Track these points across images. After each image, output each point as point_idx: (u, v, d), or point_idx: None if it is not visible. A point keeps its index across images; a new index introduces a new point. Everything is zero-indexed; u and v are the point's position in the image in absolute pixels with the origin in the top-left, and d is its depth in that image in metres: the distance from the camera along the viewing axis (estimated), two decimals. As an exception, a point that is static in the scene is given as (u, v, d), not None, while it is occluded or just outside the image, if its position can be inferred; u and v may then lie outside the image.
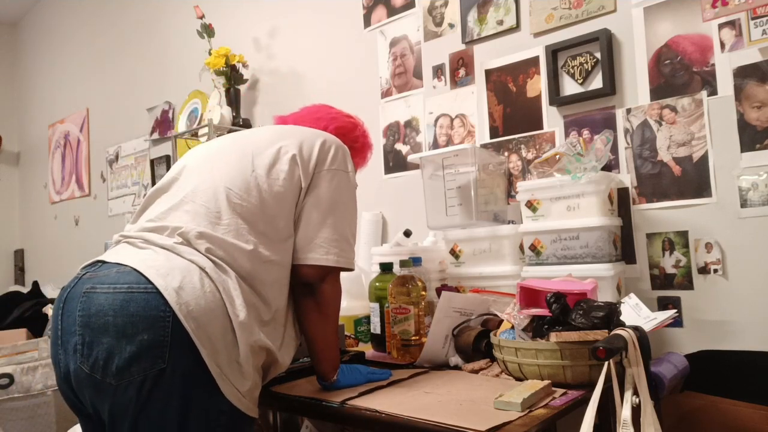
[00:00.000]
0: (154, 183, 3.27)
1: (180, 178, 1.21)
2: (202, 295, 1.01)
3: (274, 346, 1.12)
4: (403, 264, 1.53)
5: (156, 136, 3.39)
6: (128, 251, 1.09)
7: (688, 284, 1.57)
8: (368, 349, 1.66)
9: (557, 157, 1.62)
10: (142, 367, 0.96)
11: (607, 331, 1.14)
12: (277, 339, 1.14)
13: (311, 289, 1.19)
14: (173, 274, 1.01)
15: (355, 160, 1.41)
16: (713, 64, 1.54)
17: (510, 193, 1.90)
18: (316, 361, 1.25)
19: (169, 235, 1.09)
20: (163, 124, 3.34)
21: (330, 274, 1.20)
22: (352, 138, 1.42)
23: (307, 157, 1.20)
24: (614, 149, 1.69)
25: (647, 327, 1.25)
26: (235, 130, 2.71)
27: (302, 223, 1.18)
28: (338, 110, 1.46)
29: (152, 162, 3.39)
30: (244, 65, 2.76)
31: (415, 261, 1.57)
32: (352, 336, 1.77)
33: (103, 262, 1.09)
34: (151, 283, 0.99)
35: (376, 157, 2.29)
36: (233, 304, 1.04)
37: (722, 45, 1.53)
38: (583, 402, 1.06)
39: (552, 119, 1.83)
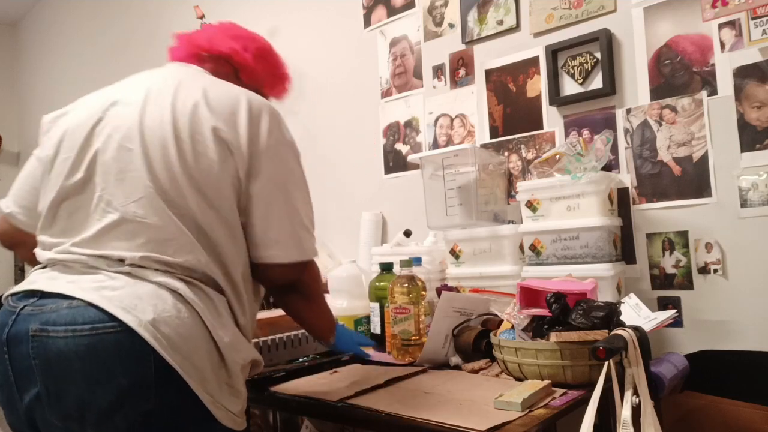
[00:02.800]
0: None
1: (95, 179, 0.98)
2: (180, 323, 0.89)
3: (256, 349, 1.07)
4: (403, 264, 1.53)
5: (156, 136, 3.38)
6: (72, 278, 0.93)
7: (688, 284, 1.57)
8: (368, 350, 1.66)
9: (557, 157, 1.62)
10: (125, 413, 0.86)
11: (607, 331, 1.14)
12: (251, 339, 1.07)
13: (291, 286, 1.10)
14: (142, 304, 0.88)
15: (279, 87, 1.27)
16: (713, 64, 1.54)
17: (510, 193, 1.90)
18: (314, 333, 1.24)
19: (118, 258, 0.93)
20: (163, 124, 3.33)
21: (307, 266, 1.09)
22: (274, 62, 1.25)
23: (234, 129, 0.99)
24: (614, 149, 1.69)
25: (647, 327, 1.25)
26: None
27: (255, 216, 1.00)
28: (249, 30, 1.27)
29: (152, 162, 3.38)
30: (244, 65, 2.76)
31: (415, 261, 1.57)
32: (352, 336, 1.77)
33: (42, 291, 0.93)
34: (117, 320, 0.86)
35: (377, 157, 2.29)
36: (215, 325, 0.93)
37: (722, 45, 1.53)
38: (583, 402, 1.06)
39: (552, 119, 1.83)
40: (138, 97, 1.03)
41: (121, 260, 0.93)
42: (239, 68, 1.20)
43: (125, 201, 0.95)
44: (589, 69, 1.73)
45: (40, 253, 1.02)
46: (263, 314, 1.48)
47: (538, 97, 1.86)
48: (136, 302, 0.89)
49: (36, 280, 0.98)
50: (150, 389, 0.87)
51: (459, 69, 2.06)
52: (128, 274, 0.93)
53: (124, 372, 0.86)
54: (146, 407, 0.87)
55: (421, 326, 1.48)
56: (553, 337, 1.18)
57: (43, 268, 1.01)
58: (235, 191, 0.99)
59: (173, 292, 0.92)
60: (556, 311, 1.21)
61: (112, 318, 0.87)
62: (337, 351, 1.26)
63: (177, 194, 0.96)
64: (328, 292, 1.98)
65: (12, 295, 0.98)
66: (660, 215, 1.62)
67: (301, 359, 1.46)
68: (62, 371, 0.87)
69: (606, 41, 1.69)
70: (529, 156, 1.86)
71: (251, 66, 1.20)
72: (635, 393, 1.03)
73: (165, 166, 0.96)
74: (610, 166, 1.69)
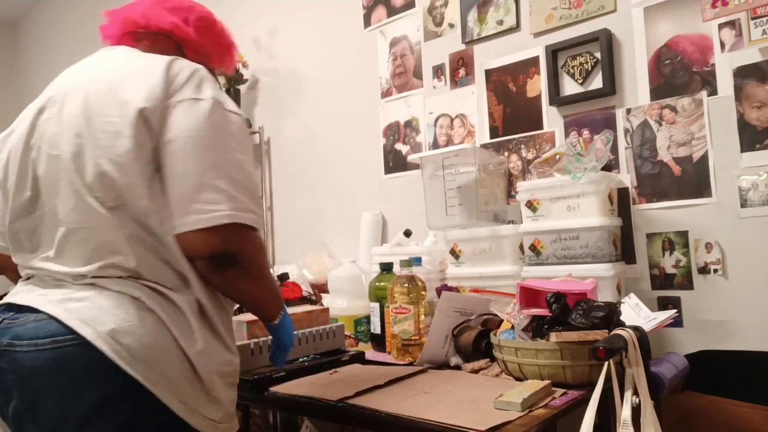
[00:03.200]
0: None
1: (41, 195, 0.96)
2: (145, 332, 0.86)
3: (234, 349, 1.00)
4: (403, 264, 1.53)
5: (156, 136, 3.38)
6: (44, 291, 0.93)
7: (688, 284, 1.57)
8: (368, 349, 1.66)
9: (557, 157, 1.62)
10: (97, 427, 0.84)
11: (607, 331, 1.14)
12: (229, 338, 0.99)
13: (222, 257, 0.91)
14: (102, 315, 0.86)
15: (227, 58, 1.18)
16: (713, 64, 1.54)
17: (510, 193, 1.90)
18: (260, 315, 1.10)
19: (75, 275, 0.91)
20: (163, 124, 3.33)
21: (239, 232, 0.91)
22: (218, 31, 1.15)
23: (149, 99, 0.91)
24: (614, 149, 1.69)
25: (647, 327, 1.25)
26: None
27: (166, 180, 0.90)
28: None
29: (152, 162, 3.38)
30: (244, 65, 2.76)
31: (415, 261, 1.57)
32: (352, 336, 1.77)
33: (18, 305, 0.93)
34: (75, 332, 0.84)
35: (377, 157, 2.29)
36: (182, 334, 0.89)
37: (722, 45, 1.53)
38: (583, 402, 1.06)
39: (552, 119, 1.83)
40: (59, 97, 0.98)
41: (82, 274, 0.91)
42: (182, 43, 1.10)
43: (66, 210, 0.93)
44: (589, 69, 1.73)
45: (20, 270, 1.02)
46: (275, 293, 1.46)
47: (538, 97, 1.86)
48: (96, 313, 0.87)
49: (17, 292, 0.97)
50: (119, 401, 0.85)
51: (459, 69, 2.06)
52: (92, 285, 0.90)
53: (90, 385, 0.85)
54: (118, 420, 0.85)
55: (421, 326, 1.48)
56: (553, 337, 1.18)
57: (26, 280, 1.00)
58: (154, 166, 0.91)
59: (135, 300, 0.89)
60: (556, 311, 1.21)
61: (71, 331, 0.85)
62: (274, 336, 1.14)
63: (104, 191, 0.90)
64: (327, 291, 1.98)
65: None
66: (660, 215, 1.62)
67: (301, 359, 1.46)
68: (33, 386, 0.86)
69: (606, 41, 1.69)
70: (529, 156, 1.86)
71: (195, 39, 1.10)
72: (635, 393, 1.03)
73: (89, 164, 0.91)
74: (610, 166, 1.69)
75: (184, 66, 0.96)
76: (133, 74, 0.95)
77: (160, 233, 0.90)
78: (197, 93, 0.93)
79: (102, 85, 0.95)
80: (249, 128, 0.99)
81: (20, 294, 0.96)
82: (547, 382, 1.16)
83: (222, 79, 2.73)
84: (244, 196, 0.91)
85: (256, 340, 1.36)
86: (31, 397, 0.87)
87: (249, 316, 1.42)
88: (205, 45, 1.12)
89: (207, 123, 0.91)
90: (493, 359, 1.36)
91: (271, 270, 1.13)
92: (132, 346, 0.85)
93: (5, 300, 0.97)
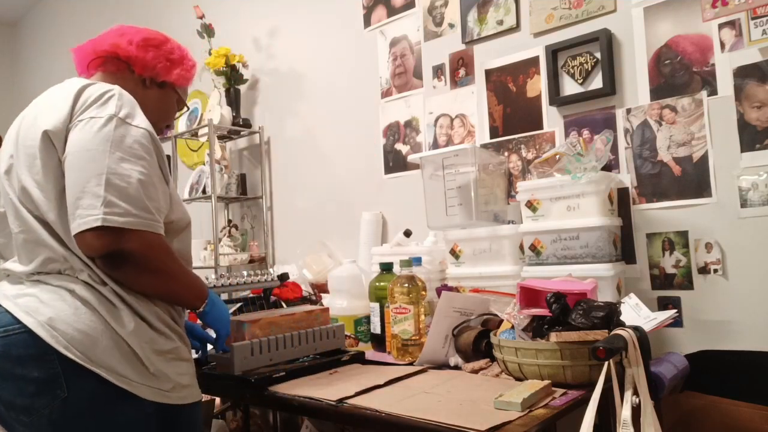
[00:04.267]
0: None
1: (3, 217, 1.14)
2: (77, 320, 1.00)
3: (165, 330, 1.08)
4: (403, 264, 1.53)
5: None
6: (6, 288, 1.09)
7: (688, 284, 1.57)
8: (368, 349, 1.66)
9: (557, 157, 1.62)
10: (44, 402, 0.98)
11: (607, 331, 1.14)
12: (157, 321, 1.07)
13: (115, 256, 1.00)
14: (43, 307, 1.01)
15: (176, 71, 1.27)
16: (713, 64, 1.54)
17: (510, 193, 1.90)
18: (181, 305, 1.16)
19: (29, 272, 1.07)
20: (163, 124, 3.33)
21: (120, 234, 0.98)
22: (167, 50, 1.27)
23: (57, 121, 1.04)
24: (614, 149, 1.69)
25: (647, 327, 1.25)
26: (235, 131, 2.72)
27: (66, 190, 1.02)
28: (144, 28, 1.30)
29: (152, 162, 3.38)
30: (244, 65, 2.76)
31: (415, 261, 1.57)
32: (352, 336, 1.77)
33: None
34: (20, 322, 1.00)
35: (376, 157, 2.29)
36: (114, 316, 1.02)
37: (722, 45, 1.53)
38: (583, 402, 1.06)
39: (552, 119, 1.83)
40: (12, 125, 1.16)
41: (30, 272, 1.07)
42: (129, 62, 1.23)
43: (12, 219, 1.10)
44: (589, 69, 1.73)
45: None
46: (263, 314, 1.48)
47: (538, 97, 1.86)
48: (37, 305, 1.01)
49: None
50: (59, 380, 0.98)
51: (459, 69, 2.06)
52: (37, 281, 1.06)
53: (35, 367, 0.99)
54: (61, 395, 0.98)
55: (421, 326, 1.48)
56: (553, 337, 1.18)
57: (5, 278, 1.16)
58: (63, 183, 1.03)
59: (71, 292, 1.03)
60: (556, 311, 1.21)
61: (17, 321, 1.00)
62: (203, 322, 1.24)
63: (28, 202, 1.06)
64: (327, 291, 1.98)
65: None
66: (660, 215, 1.62)
67: (301, 359, 1.46)
68: None
69: (606, 41, 1.69)
70: (529, 156, 1.86)
71: (139, 56, 1.23)
72: (635, 393, 1.03)
73: (15, 180, 1.08)
74: (610, 166, 1.69)
75: (96, 89, 1.07)
76: (51, 101, 1.09)
77: (71, 240, 1.02)
78: (97, 112, 1.04)
79: (31, 112, 1.12)
80: (153, 140, 1.10)
81: None
82: (547, 382, 1.16)
83: (222, 79, 2.73)
84: (124, 201, 0.99)
85: (255, 340, 1.36)
86: None
87: (249, 316, 1.42)
88: (150, 60, 1.24)
89: (96, 137, 1.01)
90: (493, 359, 1.36)
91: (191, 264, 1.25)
92: (67, 332, 0.99)
93: None
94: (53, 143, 1.04)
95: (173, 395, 1.06)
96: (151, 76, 1.25)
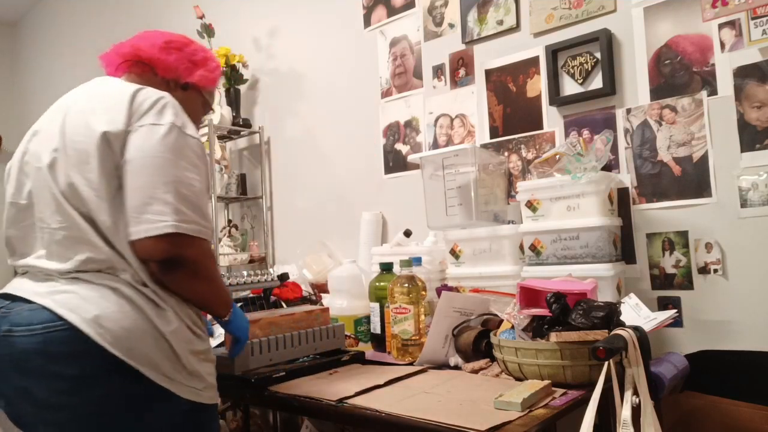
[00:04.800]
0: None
1: (29, 208, 1.10)
2: (123, 317, 1.00)
3: (200, 332, 1.10)
4: (403, 264, 1.53)
5: (156, 136, 3.38)
6: (34, 284, 1.06)
7: (688, 284, 1.57)
8: (368, 349, 1.67)
9: (557, 157, 1.62)
10: (81, 399, 0.97)
11: (607, 331, 1.14)
12: (192, 324, 1.09)
13: (172, 261, 1.03)
14: (86, 304, 0.99)
15: (198, 73, 1.28)
16: (713, 64, 1.54)
17: (510, 193, 1.90)
18: (209, 311, 1.19)
19: (59, 271, 1.04)
20: (163, 124, 3.33)
21: (183, 240, 1.02)
22: (190, 51, 1.28)
23: (113, 121, 1.05)
24: (614, 149, 1.69)
25: (647, 327, 1.26)
26: (235, 131, 2.72)
27: (127, 193, 1.03)
28: (168, 31, 1.32)
29: (152, 162, 3.38)
30: (244, 65, 2.76)
31: (415, 261, 1.57)
32: (352, 336, 1.77)
33: (12, 296, 1.06)
34: (63, 319, 0.98)
35: (376, 157, 2.29)
36: (159, 315, 1.03)
37: (722, 45, 1.53)
38: (583, 402, 1.06)
39: (552, 119, 1.83)
40: (47, 120, 1.15)
41: (67, 270, 1.04)
42: (152, 64, 1.24)
43: (49, 214, 1.07)
44: (589, 69, 1.73)
45: (17, 268, 1.15)
46: (263, 314, 1.48)
47: (538, 97, 1.86)
48: (80, 303, 1.00)
49: (10, 286, 1.11)
50: (100, 377, 0.98)
51: (459, 69, 2.06)
52: (75, 279, 1.03)
53: (74, 364, 0.97)
54: (99, 392, 0.98)
55: (421, 326, 1.48)
56: (553, 337, 1.18)
57: (22, 275, 1.13)
58: (119, 182, 1.04)
59: (115, 290, 1.02)
60: (556, 311, 1.21)
61: (60, 318, 0.98)
62: (226, 330, 1.27)
63: (75, 199, 1.04)
64: (327, 291, 1.98)
65: None
66: (660, 215, 1.62)
67: (301, 359, 1.46)
68: (26, 367, 0.99)
69: (606, 41, 1.69)
70: (529, 156, 1.86)
71: (161, 58, 1.24)
72: (635, 393, 1.03)
73: (61, 174, 1.06)
74: (610, 166, 1.69)
75: (149, 95, 1.09)
76: (102, 102, 1.10)
77: (119, 241, 1.03)
78: (157, 119, 1.06)
79: (77, 108, 1.11)
80: (204, 152, 1.14)
81: (14, 286, 1.09)
82: (547, 382, 1.16)
83: (222, 79, 2.73)
84: (189, 210, 1.03)
85: (256, 340, 1.36)
86: (24, 376, 0.99)
87: (249, 316, 1.42)
88: (173, 63, 1.25)
89: (161, 144, 1.04)
90: (493, 359, 1.36)
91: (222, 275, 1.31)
92: (113, 329, 0.98)
93: (3, 291, 1.10)
94: (111, 146, 1.04)
95: (204, 394, 1.07)
96: (174, 78, 1.25)
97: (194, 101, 1.29)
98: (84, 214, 1.04)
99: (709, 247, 1.54)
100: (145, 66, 1.24)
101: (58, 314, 0.98)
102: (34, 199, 1.09)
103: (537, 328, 1.24)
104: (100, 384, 0.98)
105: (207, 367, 1.09)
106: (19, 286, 1.08)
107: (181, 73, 1.26)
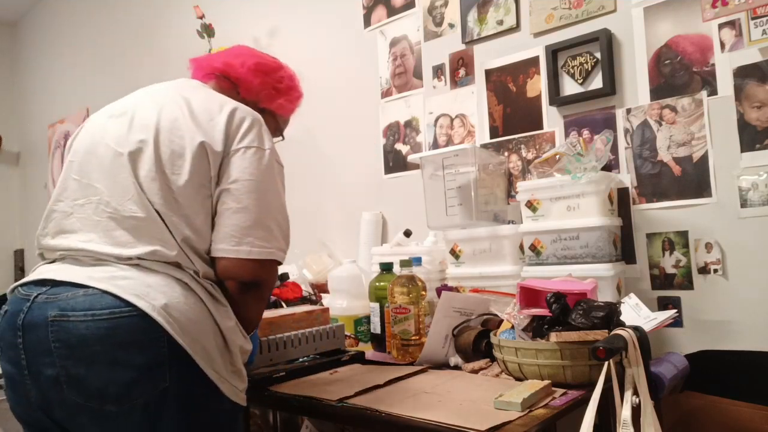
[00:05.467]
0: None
1: (90, 186, 1.08)
2: (188, 308, 0.99)
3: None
4: (403, 264, 1.53)
5: (156, 136, 3.38)
6: (84, 270, 1.02)
7: (688, 284, 1.57)
8: (368, 349, 1.66)
9: (557, 157, 1.62)
10: (142, 390, 0.94)
11: (607, 331, 1.14)
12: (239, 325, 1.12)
13: (252, 284, 1.09)
14: (153, 291, 0.97)
15: (280, 101, 1.32)
16: (713, 64, 1.54)
17: (510, 193, 1.90)
18: (248, 324, 1.17)
19: (118, 256, 1.01)
20: (163, 124, 3.33)
21: (271, 266, 1.09)
22: (276, 78, 1.31)
23: (210, 132, 1.07)
24: (614, 149, 1.69)
25: (647, 327, 1.25)
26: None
27: (219, 212, 1.06)
28: (263, 53, 1.35)
29: (152, 162, 3.38)
30: (244, 65, 2.76)
31: (415, 261, 1.57)
32: (352, 336, 1.77)
33: (53, 281, 1.01)
34: (132, 305, 0.95)
35: (376, 157, 2.29)
36: (218, 312, 1.03)
37: (722, 45, 1.53)
38: (583, 402, 1.06)
39: (552, 119, 1.83)
40: (131, 108, 1.14)
41: (128, 256, 1.01)
42: (238, 83, 1.26)
43: (120, 200, 1.04)
44: (589, 69, 1.73)
45: (46, 253, 1.11)
46: (263, 314, 1.48)
47: (538, 97, 1.86)
48: (147, 290, 0.97)
49: (45, 272, 1.05)
50: (164, 368, 0.95)
51: (459, 69, 2.06)
52: (136, 266, 1.01)
53: (141, 353, 0.94)
54: (162, 385, 0.95)
55: (421, 326, 1.48)
56: (553, 337, 1.18)
57: (51, 262, 1.09)
58: (208, 192, 1.07)
59: (179, 281, 1.01)
60: (556, 311, 1.21)
61: (128, 304, 0.95)
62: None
63: (154, 192, 1.04)
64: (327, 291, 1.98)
65: (21, 285, 1.05)
66: (660, 215, 1.62)
67: (301, 359, 1.46)
68: (84, 353, 0.94)
69: (606, 41, 1.69)
70: (529, 156, 1.86)
71: (247, 80, 1.26)
72: (635, 393, 1.03)
73: (145, 167, 1.05)
74: (610, 166, 1.69)
75: (247, 114, 1.12)
76: (200, 110, 1.10)
77: (191, 246, 1.04)
78: (260, 143, 1.09)
79: (174, 109, 1.10)
80: None
81: (52, 272, 1.03)
82: (547, 382, 1.16)
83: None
84: (282, 237, 1.10)
85: (256, 340, 1.36)
86: (79, 364, 0.94)
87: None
88: (257, 86, 1.27)
89: (267, 170, 1.08)
90: (493, 359, 1.36)
91: None
92: (180, 320, 0.97)
93: (30, 278, 1.05)
94: (209, 157, 1.06)
95: (241, 395, 1.06)
96: (254, 101, 1.27)
97: (268, 124, 1.26)
98: (159, 210, 1.03)
99: (709, 247, 1.54)
100: (231, 84, 1.26)
101: (126, 300, 0.95)
102: (104, 182, 1.07)
103: (537, 328, 1.24)
104: (163, 375, 0.95)
105: (245, 369, 1.10)
106: (62, 271, 1.02)
107: (261, 98, 1.28)
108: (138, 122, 1.10)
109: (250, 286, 1.08)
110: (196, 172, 1.05)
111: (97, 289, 0.97)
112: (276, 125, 1.35)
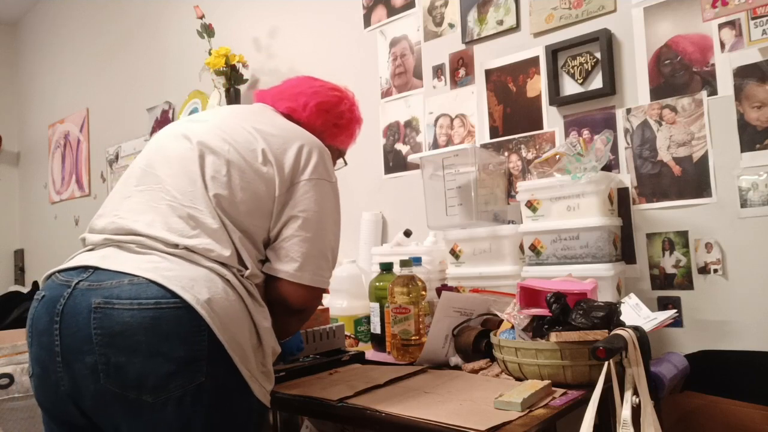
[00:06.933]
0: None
1: (153, 174, 1.12)
2: (229, 305, 0.99)
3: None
4: (403, 264, 1.53)
5: (156, 136, 3.38)
6: (128, 258, 1.01)
7: (688, 284, 1.57)
8: (368, 349, 1.66)
9: (557, 157, 1.62)
10: (180, 383, 0.94)
11: (607, 331, 1.14)
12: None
13: (297, 308, 1.15)
14: (198, 285, 0.98)
15: (341, 137, 1.36)
16: (713, 64, 1.54)
17: (510, 193, 1.90)
18: (281, 334, 1.21)
19: (167, 243, 1.02)
20: (163, 124, 3.33)
21: (317, 291, 1.15)
22: (337, 114, 1.33)
23: (283, 160, 1.13)
24: (614, 149, 1.69)
25: (647, 327, 1.25)
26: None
27: (284, 235, 1.11)
28: (323, 82, 1.36)
29: (152, 162, 3.38)
30: (244, 65, 2.76)
31: (415, 261, 1.57)
32: (352, 336, 1.77)
33: (96, 268, 1.00)
34: (178, 296, 0.95)
35: (377, 157, 2.29)
36: (256, 312, 1.04)
37: (722, 45, 1.53)
38: (583, 402, 1.06)
39: (552, 119, 1.83)
40: (210, 116, 1.22)
41: (176, 245, 1.02)
42: (300, 123, 1.28)
43: (184, 192, 1.07)
44: (589, 69, 1.73)
45: (90, 237, 1.10)
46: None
47: (538, 97, 1.86)
48: (192, 283, 0.97)
49: (86, 258, 1.04)
50: (202, 362, 0.95)
51: (459, 69, 2.06)
52: (181, 257, 1.01)
53: (183, 345, 0.94)
54: (199, 379, 0.95)
55: (421, 326, 1.48)
56: (553, 337, 1.18)
57: (90, 250, 1.08)
58: (270, 208, 1.11)
59: (221, 277, 1.01)
60: (556, 311, 1.21)
61: (174, 295, 0.95)
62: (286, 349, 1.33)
63: (221, 194, 1.07)
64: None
65: (59, 271, 1.05)
66: (660, 215, 1.62)
67: (301, 359, 1.46)
68: (127, 342, 0.93)
69: (606, 41, 1.69)
70: (529, 156, 1.86)
71: (310, 122, 1.29)
72: (635, 393, 1.03)
73: (215, 169, 1.09)
74: (610, 166, 1.69)
75: (316, 145, 1.18)
76: (275, 134, 1.16)
77: (251, 252, 1.09)
78: (326, 174, 1.17)
79: (252, 126, 1.16)
80: None
81: (94, 259, 1.03)
82: (547, 382, 1.16)
83: (222, 79, 2.73)
84: (334, 264, 1.18)
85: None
86: (120, 352, 0.93)
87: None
88: (318, 126, 1.30)
89: (331, 204, 1.17)
90: (493, 359, 1.36)
91: None
92: (221, 315, 0.97)
93: (71, 264, 1.05)
94: (276, 178, 1.11)
95: (267, 396, 1.06)
96: (317, 137, 1.28)
97: (332, 154, 1.31)
98: (220, 208, 1.07)
99: (709, 247, 1.54)
100: (294, 120, 1.29)
101: (172, 291, 0.95)
102: (170, 173, 1.10)
103: (537, 328, 1.24)
104: (200, 370, 0.95)
105: (273, 370, 1.10)
106: (106, 259, 1.02)
107: (324, 137, 1.29)
108: (216, 126, 1.15)
109: (298, 310, 1.15)
110: (258, 189, 1.09)
111: (143, 278, 0.97)
112: (339, 155, 1.41)
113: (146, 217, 1.06)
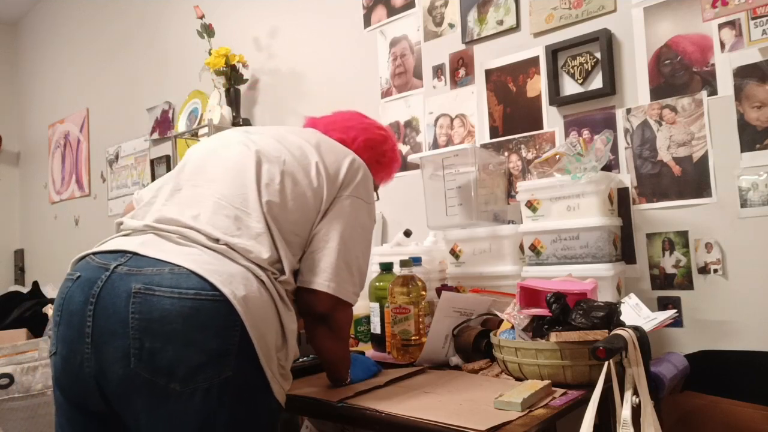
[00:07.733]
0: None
1: (207, 172, 1.16)
2: (262, 304, 1.02)
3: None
4: (403, 264, 1.53)
5: (156, 136, 3.39)
6: (169, 247, 1.03)
7: (688, 284, 1.57)
8: (368, 349, 1.66)
9: (557, 157, 1.62)
10: (209, 375, 0.95)
11: (607, 331, 1.14)
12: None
13: (323, 317, 1.17)
14: (235, 281, 1.00)
15: (380, 174, 1.42)
16: (713, 64, 1.54)
17: (510, 193, 1.90)
18: (330, 372, 1.28)
19: (209, 237, 1.05)
20: (163, 124, 3.34)
21: (341, 303, 1.17)
22: (380, 152, 1.39)
23: (334, 174, 1.19)
24: (614, 149, 1.69)
25: (647, 327, 1.25)
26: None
27: (316, 245, 1.16)
28: (371, 120, 1.44)
29: (152, 162, 3.39)
30: (244, 65, 2.76)
31: (415, 261, 1.57)
32: (353, 336, 1.77)
33: (135, 254, 1.01)
34: (218, 290, 0.97)
35: (376, 157, 2.29)
36: (285, 314, 1.07)
37: (722, 45, 1.53)
38: (583, 402, 1.06)
39: (552, 119, 1.83)
40: (266, 131, 1.27)
41: (217, 239, 1.05)
42: None
43: (234, 192, 1.11)
44: (589, 69, 1.73)
45: (130, 222, 1.13)
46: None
47: (538, 97, 1.86)
48: (230, 278, 0.99)
49: (123, 243, 1.06)
50: (231, 357, 0.97)
51: (459, 69, 2.06)
52: (220, 253, 1.03)
53: (216, 338, 0.96)
54: (227, 373, 0.96)
55: (421, 326, 1.48)
56: (553, 337, 1.18)
57: (126, 235, 1.10)
58: (314, 219, 1.17)
59: (257, 277, 1.04)
60: (556, 311, 1.21)
61: (213, 288, 0.97)
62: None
63: (271, 200, 1.11)
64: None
65: (96, 253, 1.06)
66: (660, 215, 1.62)
67: (301, 359, 1.46)
68: (164, 329, 0.94)
69: (606, 41, 1.69)
70: (529, 156, 1.86)
71: (357, 154, 1.32)
72: (635, 393, 1.03)
73: (270, 177, 1.14)
74: (610, 166, 1.69)
75: (361, 166, 1.25)
76: (329, 151, 1.23)
77: (290, 258, 1.12)
78: (366, 195, 1.23)
79: (309, 142, 1.23)
80: None
81: (133, 245, 1.04)
82: (547, 382, 1.16)
83: (222, 79, 2.73)
84: (360, 284, 1.21)
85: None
86: (156, 338, 0.94)
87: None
88: (365, 161, 1.31)
89: (365, 221, 1.23)
90: (493, 359, 1.36)
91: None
92: (254, 313, 0.99)
93: (108, 247, 1.06)
94: (324, 191, 1.16)
95: (284, 398, 1.08)
96: None
97: None
98: (268, 214, 1.10)
99: (709, 247, 1.54)
100: None
101: (212, 284, 0.97)
102: (224, 174, 1.14)
103: (537, 328, 1.24)
104: (229, 364, 0.96)
105: (291, 373, 1.12)
106: (146, 245, 1.03)
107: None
108: (273, 137, 1.22)
109: (323, 319, 1.17)
110: (311, 198, 1.15)
111: (184, 268, 0.98)
112: (374, 188, 1.41)
113: (193, 211, 1.09)
